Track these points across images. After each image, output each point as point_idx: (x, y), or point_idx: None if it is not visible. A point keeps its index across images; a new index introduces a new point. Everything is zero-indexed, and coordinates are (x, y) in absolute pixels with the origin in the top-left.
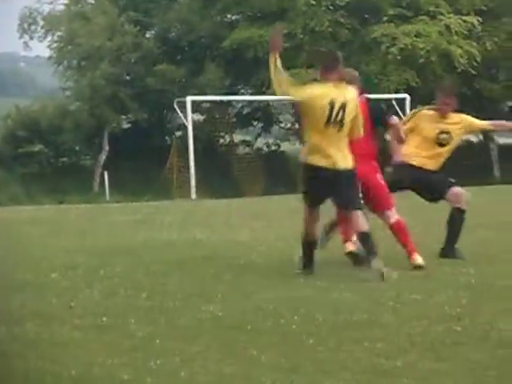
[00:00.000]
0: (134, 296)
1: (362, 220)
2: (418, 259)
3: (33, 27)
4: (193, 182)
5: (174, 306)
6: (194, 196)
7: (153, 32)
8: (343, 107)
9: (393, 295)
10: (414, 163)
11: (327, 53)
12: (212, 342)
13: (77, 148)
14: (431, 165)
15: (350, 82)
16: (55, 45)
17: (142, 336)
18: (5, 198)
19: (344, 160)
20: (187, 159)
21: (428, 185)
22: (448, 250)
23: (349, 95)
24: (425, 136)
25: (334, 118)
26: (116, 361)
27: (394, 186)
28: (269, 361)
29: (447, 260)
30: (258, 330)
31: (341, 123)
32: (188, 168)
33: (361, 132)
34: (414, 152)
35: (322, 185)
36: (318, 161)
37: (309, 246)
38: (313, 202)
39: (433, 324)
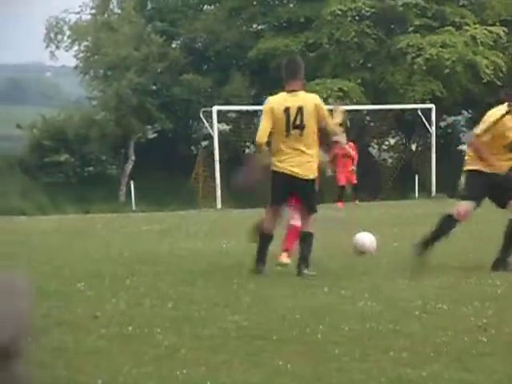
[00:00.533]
0: (160, 305)
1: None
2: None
3: (59, 37)
4: (218, 192)
5: (199, 315)
6: (219, 206)
7: (179, 42)
8: (300, 111)
9: (419, 305)
10: (489, 169)
11: (287, 62)
12: (237, 352)
13: (103, 157)
14: (505, 168)
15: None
16: (81, 54)
17: (168, 345)
18: (31, 207)
19: (305, 168)
20: (213, 169)
21: (504, 190)
22: (500, 262)
23: (306, 99)
24: (510, 142)
25: (293, 123)
26: (142, 370)
27: (479, 194)
28: (294, 370)
29: (474, 271)
30: (284, 340)
31: (301, 126)
32: (213, 178)
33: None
34: (493, 158)
35: (284, 188)
36: (286, 167)
37: (264, 240)
38: (275, 202)
39: (459, 334)
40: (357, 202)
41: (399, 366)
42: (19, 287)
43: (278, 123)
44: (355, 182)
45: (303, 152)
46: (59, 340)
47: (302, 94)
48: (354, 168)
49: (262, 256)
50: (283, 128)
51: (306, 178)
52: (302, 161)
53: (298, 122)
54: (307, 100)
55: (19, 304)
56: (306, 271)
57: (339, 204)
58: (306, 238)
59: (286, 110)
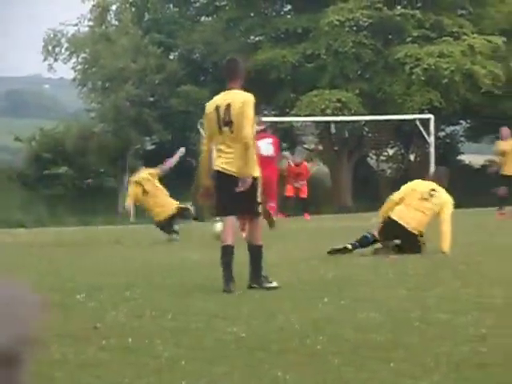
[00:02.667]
0: (160, 317)
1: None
2: None
3: (57, 49)
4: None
5: (199, 327)
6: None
7: (176, 53)
8: (228, 107)
9: (418, 315)
10: None
11: (227, 62)
12: (237, 363)
13: (101, 169)
14: None
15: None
16: (79, 67)
17: (168, 357)
18: (30, 220)
19: (236, 165)
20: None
21: None
22: None
23: (236, 96)
24: None
25: (223, 120)
26: (142, 382)
27: None
28: (294, 381)
29: (473, 281)
30: (283, 351)
31: (230, 123)
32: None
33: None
34: None
35: (225, 191)
36: (220, 165)
37: (226, 255)
38: (222, 211)
39: (458, 344)
40: (307, 216)
41: (399, 376)
42: (21, 295)
43: (210, 123)
44: (305, 195)
45: (236, 150)
46: (60, 352)
47: (234, 92)
48: (301, 183)
49: (228, 272)
50: (216, 126)
51: (240, 175)
52: (235, 158)
53: (226, 119)
54: (237, 97)
55: (20, 312)
56: (267, 284)
57: (279, 215)
58: (254, 252)
59: (216, 108)
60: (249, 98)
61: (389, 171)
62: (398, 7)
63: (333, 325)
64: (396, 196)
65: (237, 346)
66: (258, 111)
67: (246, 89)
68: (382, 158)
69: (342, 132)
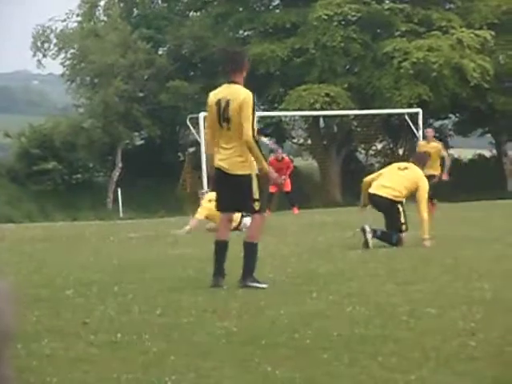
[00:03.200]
0: (148, 312)
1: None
2: None
3: (46, 45)
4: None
5: (188, 321)
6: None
7: (165, 49)
8: (227, 104)
9: (406, 310)
10: None
11: (232, 53)
12: (226, 358)
13: (90, 165)
14: None
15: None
16: (68, 62)
17: (157, 352)
18: (19, 215)
19: (232, 163)
20: (200, 175)
21: None
22: None
23: (235, 92)
24: None
25: (222, 116)
26: (131, 376)
27: None
28: (283, 376)
29: (461, 275)
30: (273, 345)
31: (228, 120)
32: (201, 184)
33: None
34: None
35: (221, 188)
36: (217, 162)
37: (218, 249)
38: (219, 207)
39: (447, 339)
40: (296, 210)
41: (388, 370)
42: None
43: (212, 115)
44: (288, 188)
45: (232, 147)
46: (49, 347)
47: (236, 86)
48: (284, 177)
49: (219, 267)
50: (216, 120)
51: (234, 173)
52: (230, 156)
53: (225, 115)
54: (237, 94)
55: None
56: (254, 284)
57: (295, 209)
58: (246, 249)
59: (218, 102)
60: (248, 96)
61: (377, 165)
62: (387, 1)
63: (322, 319)
64: (372, 175)
65: (227, 341)
66: None
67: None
68: (370, 152)
69: (331, 126)
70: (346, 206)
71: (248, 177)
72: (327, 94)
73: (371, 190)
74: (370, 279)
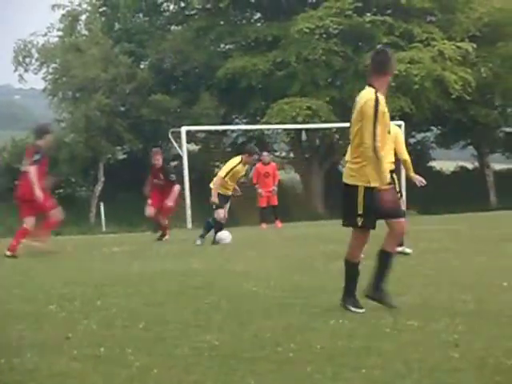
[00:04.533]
0: (131, 326)
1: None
2: None
3: (27, 59)
4: (188, 212)
5: (171, 335)
6: (189, 226)
7: (147, 63)
8: (354, 107)
9: (390, 322)
10: None
11: (375, 53)
12: (209, 371)
13: (73, 179)
14: None
15: None
16: (50, 77)
17: (140, 366)
18: (1, 230)
19: (346, 172)
20: (183, 189)
21: None
22: None
23: (360, 96)
24: None
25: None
26: None
27: None
28: None
29: (445, 287)
30: (255, 359)
31: (350, 124)
32: (184, 198)
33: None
34: None
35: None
36: None
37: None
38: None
39: (430, 350)
40: (279, 224)
41: (371, 383)
42: None
43: None
44: (275, 203)
45: (350, 154)
46: (32, 361)
47: (364, 90)
48: (275, 188)
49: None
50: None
51: (344, 181)
52: (348, 163)
53: (350, 119)
54: (360, 97)
55: None
56: (350, 307)
57: (263, 225)
58: (381, 258)
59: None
60: (369, 101)
61: None
62: (368, 14)
63: (305, 332)
64: None
65: (210, 355)
66: (230, 119)
67: (216, 97)
68: None
69: (313, 140)
70: (328, 219)
71: (355, 188)
72: (309, 107)
73: None
74: None
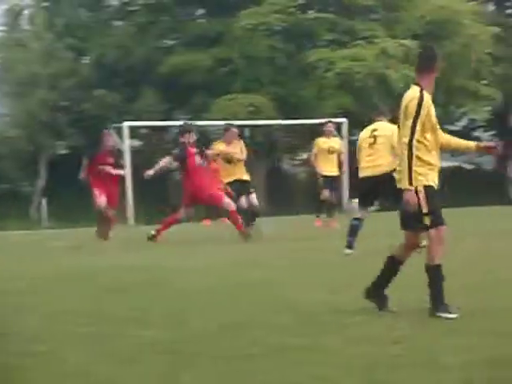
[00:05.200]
0: (71, 322)
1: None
2: None
3: None
4: (130, 208)
5: (111, 331)
6: (131, 222)
7: (89, 58)
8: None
9: (333, 319)
10: None
11: (422, 50)
12: (149, 368)
13: (14, 175)
14: None
15: None
16: None
17: (79, 362)
18: None
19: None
20: (125, 186)
21: None
22: None
23: (405, 96)
24: None
25: None
26: None
27: None
28: None
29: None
30: (195, 354)
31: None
32: (126, 194)
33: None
34: None
35: None
36: None
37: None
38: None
39: (372, 347)
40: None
41: (313, 379)
42: None
43: None
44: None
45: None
46: None
47: (410, 89)
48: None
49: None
50: None
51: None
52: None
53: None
54: (405, 97)
55: None
56: (442, 314)
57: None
58: (428, 274)
59: None
60: (413, 100)
61: (303, 175)
62: (311, 11)
63: (247, 328)
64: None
65: (150, 350)
66: (173, 115)
67: (159, 93)
68: (295, 162)
69: (256, 136)
70: (271, 216)
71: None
72: (252, 104)
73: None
74: (298, 287)
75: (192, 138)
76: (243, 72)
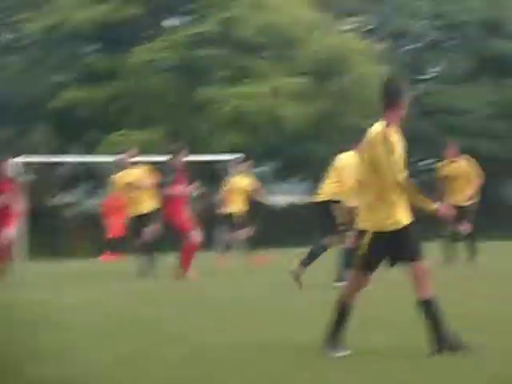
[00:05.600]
0: None
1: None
2: None
3: None
4: (24, 244)
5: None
6: (24, 257)
7: None
8: None
9: (228, 355)
10: None
11: (385, 84)
12: None
13: None
14: None
15: None
16: None
17: None
18: None
19: None
20: (19, 221)
21: None
22: None
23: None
24: None
25: None
26: None
27: None
28: None
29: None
30: None
31: None
32: (20, 230)
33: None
34: None
35: None
36: None
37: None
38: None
39: None
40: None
41: None
42: None
43: None
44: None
45: None
46: None
47: (374, 126)
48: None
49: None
50: None
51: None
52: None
53: None
54: (369, 133)
55: None
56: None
57: (109, 256)
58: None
59: None
60: (377, 135)
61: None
62: (202, 49)
63: (138, 361)
64: None
65: None
66: (65, 150)
67: (52, 127)
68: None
69: None
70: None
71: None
72: (143, 140)
73: None
74: (191, 321)
75: None
76: (136, 108)
